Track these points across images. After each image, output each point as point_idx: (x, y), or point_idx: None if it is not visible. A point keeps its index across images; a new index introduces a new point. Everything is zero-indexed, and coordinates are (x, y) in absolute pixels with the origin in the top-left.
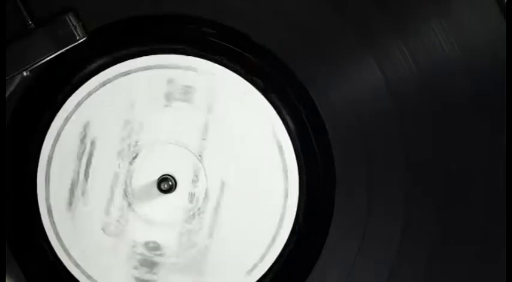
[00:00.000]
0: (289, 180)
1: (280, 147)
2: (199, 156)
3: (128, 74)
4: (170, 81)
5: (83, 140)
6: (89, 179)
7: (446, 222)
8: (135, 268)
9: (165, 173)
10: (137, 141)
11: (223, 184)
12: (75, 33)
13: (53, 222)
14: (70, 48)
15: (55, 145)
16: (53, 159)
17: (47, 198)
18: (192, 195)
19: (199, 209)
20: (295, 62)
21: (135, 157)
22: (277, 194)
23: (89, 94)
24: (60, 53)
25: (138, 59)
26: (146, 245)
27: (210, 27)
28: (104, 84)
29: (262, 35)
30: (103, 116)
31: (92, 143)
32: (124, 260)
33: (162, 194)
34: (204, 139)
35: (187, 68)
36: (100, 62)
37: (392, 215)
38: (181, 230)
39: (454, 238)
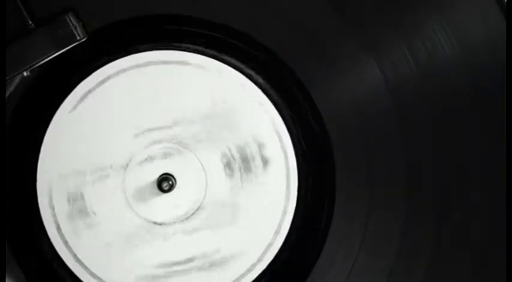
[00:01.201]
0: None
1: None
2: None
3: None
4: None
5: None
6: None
7: (446, 222)
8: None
9: (165, 173)
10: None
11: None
12: (76, 33)
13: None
14: (70, 48)
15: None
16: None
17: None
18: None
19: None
20: (295, 62)
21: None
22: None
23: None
24: (61, 53)
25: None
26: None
27: (210, 27)
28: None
29: (263, 34)
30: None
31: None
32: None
33: (162, 194)
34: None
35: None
36: (100, 62)
37: (393, 215)
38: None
39: (454, 238)
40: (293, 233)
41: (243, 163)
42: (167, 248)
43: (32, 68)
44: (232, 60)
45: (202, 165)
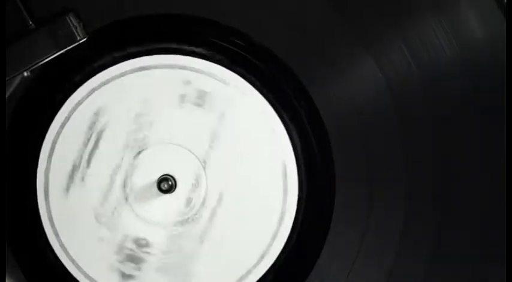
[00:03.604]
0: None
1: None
2: (204, 162)
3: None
4: (187, 82)
5: (90, 128)
6: (91, 166)
7: (446, 222)
8: (121, 262)
9: (166, 173)
10: (144, 138)
11: (221, 195)
12: (76, 33)
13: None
14: (70, 48)
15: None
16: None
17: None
18: (189, 200)
19: (194, 214)
20: (295, 61)
21: (140, 152)
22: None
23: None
24: (61, 54)
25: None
26: (136, 241)
27: (210, 27)
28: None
29: (262, 34)
30: (113, 110)
31: (99, 133)
32: (112, 252)
33: (161, 194)
34: (211, 147)
35: (202, 72)
36: (101, 62)
37: (393, 214)
38: (173, 232)
39: (454, 238)
40: (293, 233)
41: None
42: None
43: (32, 68)
44: (229, 62)
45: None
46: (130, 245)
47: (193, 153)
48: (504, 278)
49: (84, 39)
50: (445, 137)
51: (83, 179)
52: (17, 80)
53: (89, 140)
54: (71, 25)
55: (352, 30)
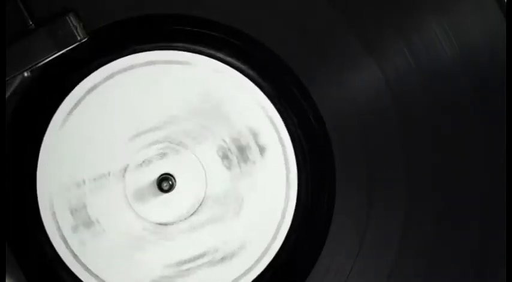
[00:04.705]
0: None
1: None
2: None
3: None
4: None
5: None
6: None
7: (446, 222)
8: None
9: (165, 172)
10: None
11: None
12: (76, 33)
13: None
14: (70, 48)
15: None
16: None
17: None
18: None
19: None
20: (295, 62)
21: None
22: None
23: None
24: (61, 54)
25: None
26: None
27: (210, 27)
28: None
29: (263, 35)
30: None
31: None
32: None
33: (161, 194)
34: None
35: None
36: (100, 62)
37: (393, 215)
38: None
39: (454, 238)
40: (293, 234)
41: (240, 155)
42: (173, 248)
43: (32, 68)
44: (231, 60)
45: (200, 161)
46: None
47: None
48: (504, 278)
49: (84, 40)
50: (445, 137)
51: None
52: (17, 80)
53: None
54: (71, 25)
55: (353, 30)
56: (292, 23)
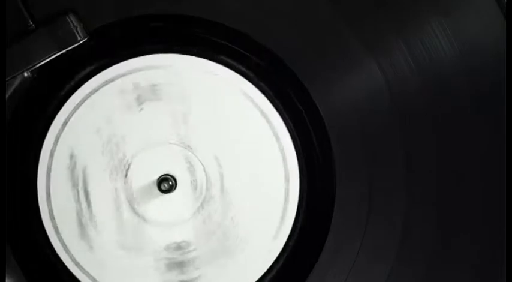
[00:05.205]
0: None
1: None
2: (188, 146)
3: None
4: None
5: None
6: (91, 205)
7: (446, 223)
8: (163, 274)
9: (164, 173)
10: (124, 154)
11: (219, 165)
12: (76, 34)
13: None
14: (71, 48)
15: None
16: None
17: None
18: (194, 183)
19: (205, 196)
20: (295, 62)
21: (128, 169)
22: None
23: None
24: (61, 54)
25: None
26: (167, 248)
27: (210, 27)
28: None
29: (262, 35)
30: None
31: (83, 171)
32: (151, 270)
33: (163, 194)
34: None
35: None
36: (101, 62)
37: (393, 215)
38: (195, 222)
39: (454, 238)
40: (293, 234)
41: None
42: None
43: (32, 68)
44: (230, 61)
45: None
46: (167, 254)
47: (175, 144)
48: (504, 278)
49: (84, 40)
50: (445, 137)
51: (91, 220)
52: (17, 80)
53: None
54: (71, 25)
55: (353, 29)
56: (292, 23)
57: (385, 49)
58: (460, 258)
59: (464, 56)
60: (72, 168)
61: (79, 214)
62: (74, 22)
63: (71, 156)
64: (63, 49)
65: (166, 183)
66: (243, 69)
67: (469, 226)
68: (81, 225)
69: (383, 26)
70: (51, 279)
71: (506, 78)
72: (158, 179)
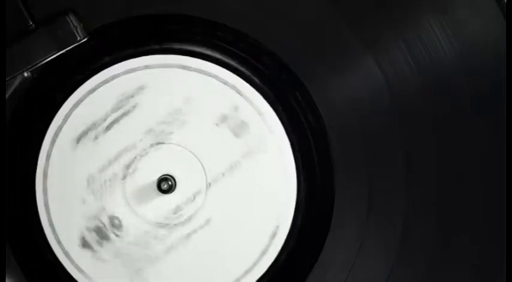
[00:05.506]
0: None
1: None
2: (209, 183)
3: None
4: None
5: (127, 98)
6: (109, 132)
7: (446, 223)
8: (89, 230)
9: (166, 173)
10: (170, 133)
11: (209, 220)
12: (76, 33)
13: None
14: (71, 48)
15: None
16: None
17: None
18: (178, 209)
19: (175, 224)
20: (295, 61)
21: (159, 144)
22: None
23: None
24: (61, 54)
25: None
26: (111, 218)
27: (210, 27)
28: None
29: (263, 35)
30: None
31: (133, 107)
32: (86, 217)
33: (160, 194)
34: (223, 174)
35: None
36: (101, 62)
37: (393, 215)
38: (149, 229)
39: (454, 238)
40: (292, 234)
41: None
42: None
43: (32, 68)
44: (229, 61)
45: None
46: (104, 219)
47: (204, 170)
48: (504, 278)
49: (84, 39)
50: (445, 137)
51: (96, 138)
52: (17, 80)
53: (119, 108)
54: (71, 25)
55: (353, 29)
56: (292, 23)
57: (385, 49)
58: (460, 258)
59: (464, 56)
60: None
61: (92, 128)
62: (74, 22)
63: None
64: (63, 49)
65: (166, 183)
66: (243, 69)
67: (469, 226)
68: (85, 135)
69: (383, 25)
70: (51, 279)
71: (506, 78)
72: (159, 177)
